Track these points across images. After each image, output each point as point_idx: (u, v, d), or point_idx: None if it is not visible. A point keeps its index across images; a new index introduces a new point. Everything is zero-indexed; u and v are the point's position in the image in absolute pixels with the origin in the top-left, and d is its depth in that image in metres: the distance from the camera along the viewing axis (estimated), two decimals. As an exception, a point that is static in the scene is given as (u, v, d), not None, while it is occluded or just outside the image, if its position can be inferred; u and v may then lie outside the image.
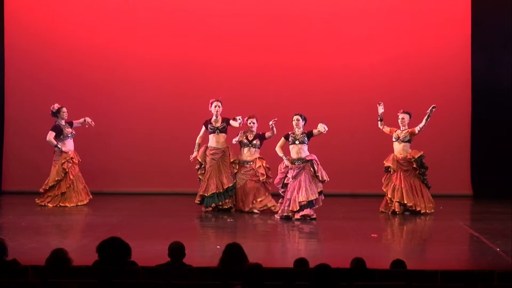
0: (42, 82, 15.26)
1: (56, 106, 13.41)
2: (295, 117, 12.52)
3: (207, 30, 15.18)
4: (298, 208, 12.21)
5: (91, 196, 13.49)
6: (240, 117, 12.62)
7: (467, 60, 15.06)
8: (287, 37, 15.18)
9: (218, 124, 12.82)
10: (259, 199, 12.76)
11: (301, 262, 7.07)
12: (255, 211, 12.69)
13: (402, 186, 12.66)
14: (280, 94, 15.03)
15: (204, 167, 12.82)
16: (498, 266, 8.62)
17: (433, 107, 12.69)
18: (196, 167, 12.91)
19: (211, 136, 12.87)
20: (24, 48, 15.25)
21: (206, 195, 12.72)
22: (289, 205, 12.33)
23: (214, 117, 12.84)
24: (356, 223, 12.28)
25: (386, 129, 12.97)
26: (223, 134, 12.85)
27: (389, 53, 15.16)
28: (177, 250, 7.12)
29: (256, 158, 12.80)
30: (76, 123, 13.46)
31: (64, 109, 13.40)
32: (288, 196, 12.37)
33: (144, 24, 15.22)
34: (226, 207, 12.73)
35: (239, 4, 15.28)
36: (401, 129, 12.90)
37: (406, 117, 12.90)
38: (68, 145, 13.40)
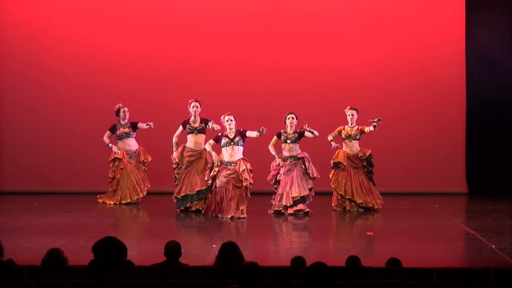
0: (36, 83, 15.21)
1: (117, 106, 13.53)
2: (289, 116, 12.52)
3: (199, 29, 15.14)
4: (291, 203, 12.29)
5: (140, 196, 13.48)
6: (211, 121, 12.38)
7: (461, 59, 15.05)
8: (279, 36, 15.14)
9: (197, 125, 12.68)
10: (241, 208, 11.98)
11: (298, 261, 7.07)
12: (230, 219, 11.89)
13: (353, 183, 12.71)
14: (271, 93, 14.98)
15: (181, 167, 12.73)
16: (493, 263, 8.63)
17: (378, 120, 12.55)
18: (173, 166, 12.83)
19: (189, 137, 12.73)
20: (18, 48, 15.20)
21: (178, 197, 12.66)
22: (280, 200, 12.40)
23: (192, 118, 12.72)
24: (352, 221, 12.30)
25: (335, 134, 12.84)
26: (201, 134, 12.69)
27: (383, 51, 15.13)
28: (173, 249, 7.11)
29: (240, 160, 12.02)
30: (141, 125, 13.42)
31: (124, 109, 13.49)
32: (280, 191, 12.44)
33: (139, 23, 15.19)
34: (194, 209, 12.55)
35: (230, 3, 15.25)
36: (350, 125, 12.84)
37: (355, 113, 12.86)
38: (122, 145, 13.48)
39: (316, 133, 12.39)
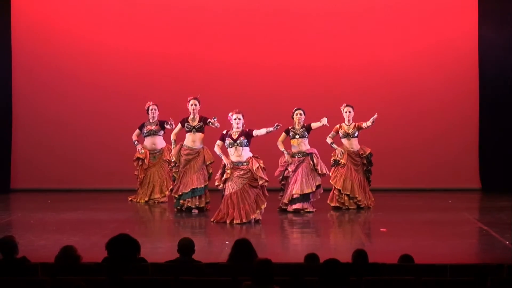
0: (49, 82, 15.30)
1: (147, 104, 13.55)
2: (297, 112, 12.53)
3: (200, 27, 15.19)
4: (289, 199, 12.31)
5: (163, 194, 13.50)
6: (215, 118, 12.11)
7: (474, 55, 15.03)
8: (288, 34, 15.17)
9: (195, 123, 12.52)
10: (262, 207, 11.42)
11: (311, 257, 7.06)
12: (257, 218, 11.43)
13: (353, 180, 12.67)
14: (277, 92, 15.00)
15: (179, 166, 12.54)
16: (507, 259, 8.60)
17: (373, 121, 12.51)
18: (171, 166, 12.67)
19: (187, 135, 12.54)
20: (31, 48, 15.29)
21: (175, 196, 12.51)
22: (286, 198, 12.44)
23: (191, 116, 12.53)
24: (365, 217, 12.29)
25: (333, 134, 12.76)
26: (200, 133, 12.50)
27: (395, 50, 15.14)
28: (186, 246, 7.11)
29: (251, 158, 11.44)
30: (167, 124, 13.26)
31: (152, 108, 13.51)
32: (286, 189, 12.48)
33: (151, 24, 15.24)
34: (186, 206, 12.38)
35: (234, 2, 15.25)
36: (347, 123, 12.75)
37: (352, 110, 12.76)
38: (148, 143, 13.53)
39: (324, 121, 12.27)
